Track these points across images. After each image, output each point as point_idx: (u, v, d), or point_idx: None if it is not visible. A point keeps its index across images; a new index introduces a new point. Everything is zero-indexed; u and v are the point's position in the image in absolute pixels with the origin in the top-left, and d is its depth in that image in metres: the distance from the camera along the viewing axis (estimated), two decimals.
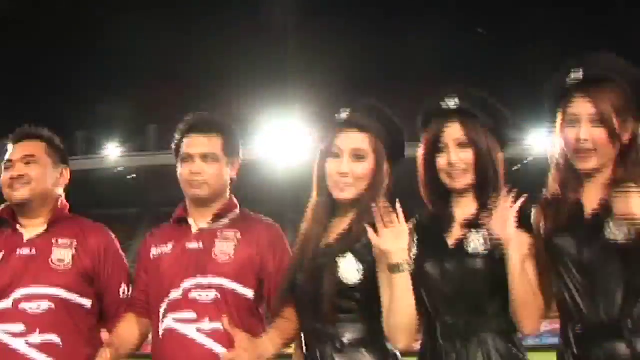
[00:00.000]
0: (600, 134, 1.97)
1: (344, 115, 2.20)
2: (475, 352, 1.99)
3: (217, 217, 2.46)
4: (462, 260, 2.03)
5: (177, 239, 2.45)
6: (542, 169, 2.18)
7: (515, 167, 22.16)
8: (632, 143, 2.00)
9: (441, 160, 2.09)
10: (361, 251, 2.10)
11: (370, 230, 2.01)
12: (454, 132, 2.07)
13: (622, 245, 1.90)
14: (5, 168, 2.53)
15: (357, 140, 2.16)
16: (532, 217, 2.08)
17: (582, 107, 1.99)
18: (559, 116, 2.05)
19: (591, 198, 2.01)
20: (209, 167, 2.41)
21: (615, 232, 1.91)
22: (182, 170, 2.46)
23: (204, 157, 2.41)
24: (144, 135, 36.13)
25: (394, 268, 1.97)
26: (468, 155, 2.06)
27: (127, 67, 35.04)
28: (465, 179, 2.08)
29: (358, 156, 2.16)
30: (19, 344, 2.33)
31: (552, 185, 2.08)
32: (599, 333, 1.93)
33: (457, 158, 2.06)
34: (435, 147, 2.10)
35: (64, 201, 2.66)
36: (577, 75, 2.01)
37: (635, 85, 2.00)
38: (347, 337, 2.09)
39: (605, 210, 1.93)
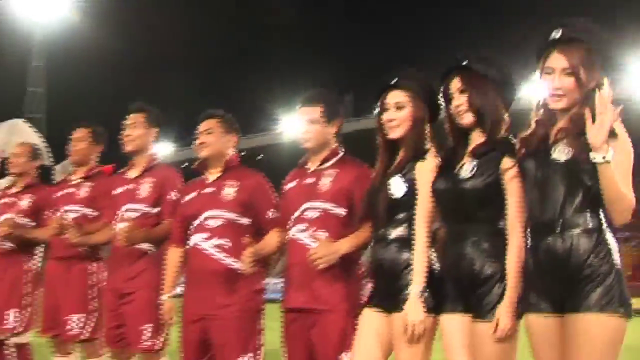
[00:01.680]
0: (569, 83, 2.65)
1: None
2: (466, 248, 2.84)
3: (324, 161, 3.63)
4: (455, 182, 2.92)
5: (299, 177, 3.68)
6: None
7: None
8: (596, 86, 2.58)
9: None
10: (406, 175, 3.15)
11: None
12: None
13: (563, 164, 2.60)
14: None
15: (398, 95, 3.21)
16: (515, 147, 2.82)
17: (557, 60, 2.67)
18: (540, 66, 2.74)
19: (556, 129, 2.70)
20: (311, 127, 3.60)
21: (559, 154, 2.61)
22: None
23: (309, 122, 3.61)
24: None
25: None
26: None
27: None
28: (467, 118, 2.93)
29: (399, 107, 3.21)
30: (205, 245, 3.76)
31: (532, 121, 2.79)
32: (542, 230, 2.64)
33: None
34: None
35: (234, 158, 4.03)
36: (555, 34, 2.71)
37: (602, 45, 2.74)
38: (392, 233, 3.16)
39: (558, 138, 2.65)
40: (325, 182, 3.55)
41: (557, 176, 2.62)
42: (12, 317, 5.04)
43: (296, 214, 3.56)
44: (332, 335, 3.38)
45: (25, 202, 5.17)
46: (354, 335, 3.28)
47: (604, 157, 2.45)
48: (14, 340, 5.09)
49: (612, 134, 2.49)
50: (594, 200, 2.56)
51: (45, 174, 5.68)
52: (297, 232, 3.54)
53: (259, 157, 54.18)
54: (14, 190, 5.28)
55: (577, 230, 2.56)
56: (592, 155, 2.47)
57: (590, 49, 2.68)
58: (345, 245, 3.37)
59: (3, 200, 5.28)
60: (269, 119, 56.99)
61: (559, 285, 2.56)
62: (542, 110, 2.76)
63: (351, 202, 3.50)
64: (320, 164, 3.62)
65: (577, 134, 2.57)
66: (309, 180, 3.60)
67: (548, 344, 2.59)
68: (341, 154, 3.67)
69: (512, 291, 2.73)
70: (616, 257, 2.55)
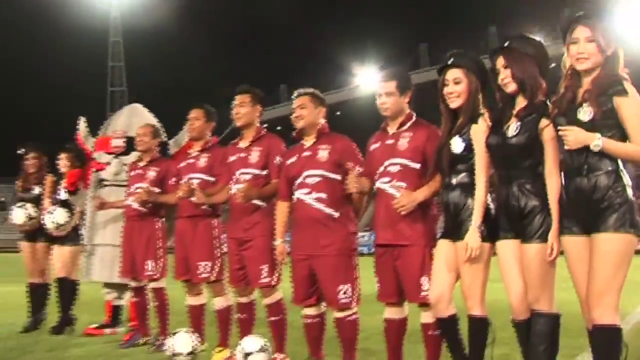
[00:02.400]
0: (592, 48, 3.37)
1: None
2: (514, 189, 3.63)
3: (400, 125, 4.45)
4: (504, 138, 3.69)
5: (381, 139, 4.50)
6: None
7: None
8: (612, 54, 3.37)
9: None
10: (464, 135, 3.95)
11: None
12: None
13: (586, 123, 3.30)
14: None
15: (455, 72, 3.99)
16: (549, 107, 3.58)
17: (581, 32, 3.39)
18: (567, 38, 3.44)
19: (582, 91, 3.41)
20: (388, 99, 4.41)
21: (583, 115, 3.33)
22: None
23: (387, 94, 4.42)
24: None
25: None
26: None
27: None
28: (510, 87, 3.70)
29: (456, 82, 3.99)
30: (307, 198, 4.68)
31: (561, 85, 3.50)
32: (572, 173, 3.37)
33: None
34: None
35: (325, 126, 4.89)
36: (579, 13, 3.44)
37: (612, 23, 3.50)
38: (454, 181, 3.98)
39: (584, 99, 3.35)
40: (403, 142, 4.38)
41: (583, 130, 3.34)
42: (149, 266, 6.14)
43: (381, 169, 4.41)
44: (413, 264, 4.25)
45: (152, 173, 6.21)
46: (431, 263, 4.15)
47: (596, 145, 3.25)
48: (152, 285, 6.21)
49: (624, 92, 3.22)
50: None
51: (162, 147, 6.67)
52: (382, 184, 4.40)
53: (337, 113, 56.21)
54: (141, 164, 6.33)
55: (598, 172, 3.31)
56: (591, 147, 3.26)
57: (606, 25, 3.41)
58: (421, 194, 4.21)
59: (133, 173, 6.35)
60: (346, 73, 57.84)
61: (586, 213, 3.34)
62: (569, 76, 3.49)
63: (424, 157, 4.31)
64: (398, 128, 4.44)
65: (597, 94, 3.31)
66: (390, 142, 4.43)
67: (579, 258, 3.38)
68: (414, 118, 4.48)
69: (555, 221, 3.51)
70: (629, 191, 3.30)
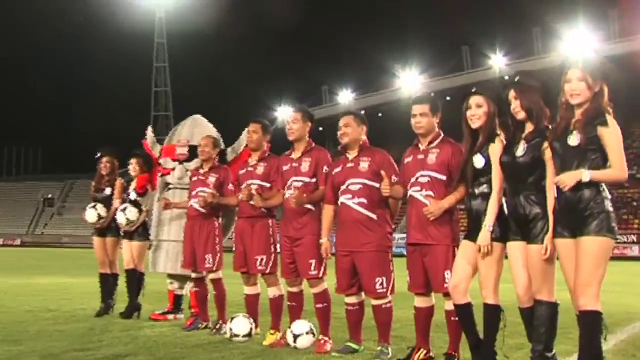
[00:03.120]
0: (582, 85, 4.13)
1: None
2: (521, 199, 4.37)
3: (430, 142, 5.24)
4: (513, 157, 4.44)
5: (414, 154, 5.30)
6: None
7: None
8: (599, 91, 4.13)
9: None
10: (484, 153, 4.73)
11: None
12: None
13: (574, 147, 4.04)
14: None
15: (477, 99, 4.77)
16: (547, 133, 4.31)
17: (574, 73, 4.16)
18: (562, 79, 4.20)
19: (574, 121, 4.16)
20: (422, 119, 5.20)
21: (572, 140, 4.06)
22: None
23: (420, 115, 5.21)
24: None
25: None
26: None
27: None
28: (520, 115, 4.48)
29: (478, 106, 4.76)
30: (350, 202, 5.52)
31: (558, 117, 4.27)
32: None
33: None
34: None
35: (366, 141, 5.71)
36: (574, 61, 4.22)
37: (599, 68, 4.24)
38: (477, 191, 4.76)
39: (574, 127, 4.09)
40: (432, 157, 5.20)
41: (571, 155, 4.13)
42: (208, 259, 7.03)
43: (412, 179, 5.23)
44: (439, 260, 5.06)
45: (211, 179, 7.10)
46: (454, 259, 4.94)
47: (585, 177, 4.00)
48: (211, 276, 7.10)
49: (606, 123, 3.98)
50: (595, 169, 4.04)
51: (221, 154, 7.56)
52: (414, 192, 5.22)
53: (379, 115, 57.22)
54: (202, 170, 7.23)
55: (583, 187, 4.05)
56: (583, 180, 3.99)
57: (594, 67, 4.20)
58: (447, 202, 5.03)
59: (195, 178, 7.26)
60: (388, 75, 58.68)
61: (573, 220, 4.09)
62: (564, 108, 4.26)
63: (449, 170, 5.11)
64: (428, 144, 5.25)
65: (585, 124, 4.07)
66: (420, 156, 5.25)
67: (568, 256, 4.14)
68: (442, 136, 5.27)
69: (551, 227, 4.27)
70: (607, 203, 4.04)
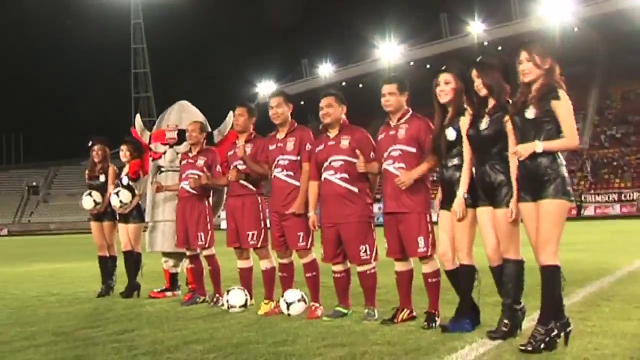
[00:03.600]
0: (531, 65, 4.55)
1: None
2: (487, 169, 4.80)
3: (399, 119, 5.66)
4: (478, 131, 4.87)
5: (386, 130, 5.72)
6: None
7: None
8: (549, 68, 4.53)
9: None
10: (455, 126, 5.14)
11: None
12: None
13: (531, 120, 4.46)
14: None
15: (446, 76, 5.20)
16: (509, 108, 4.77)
17: (523, 54, 4.57)
18: (516, 59, 4.63)
19: (530, 96, 4.58)
20: (391, 97, 5.61)
21: (529, 114, 4.49)
22: None
23: (389, 94, 5.63)
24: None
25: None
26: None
27: None
28: (482, 92, 4.91)
29: (446, 83, 5.19)
30: (332, 178, 5.94)
31: (518, 93, 4.70)
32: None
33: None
34: None
35: (345, 120, 6.12)
36: (523, 42, 4.66)
37: (548, 44, 4.67)
38: (449, 162, 5.19)
39: (530, 102, 4.50)
40: (402, 132, 5.62)
41: (529, 127, 4.56)
42: (201, 237, 7.44)
43: (385, 154, 5.67)
44: (412, 227, 5.52)
45: (200, 161, 7.49)
46: (426, 225, 5.42)
47: (538, 148, 4.41)
48: (205, 252, 7.53)
49: (558, 97, 4.42)
50: (551, 139, 4.47)
51: (208, 137, 7.94)
52: (387, 165, 5.66)
53: (360, 86, 57.51)
54: (191, 154, 7.62)
55: (540, 156, 4.49)
56: (536, 151, 4.42)
57: (542, 46, 4.61)
58: (417, 172, 5.46)
59: (184, 161, 7.65)
60: (367, 46, 58.85)
61: (533, 185, 4.53)
62: (522, 86, 4.69)
63: (419, 143, 5.54)
64: (398, 120, 5.68)
65: (538, 99, 4.49)
66: (392, 132, 5.68)
67: (530, 218, 4.59)
68: (410, 112, 5.70)
69: (515, 192, 4.72)
70: (563, 169, 4.49)
